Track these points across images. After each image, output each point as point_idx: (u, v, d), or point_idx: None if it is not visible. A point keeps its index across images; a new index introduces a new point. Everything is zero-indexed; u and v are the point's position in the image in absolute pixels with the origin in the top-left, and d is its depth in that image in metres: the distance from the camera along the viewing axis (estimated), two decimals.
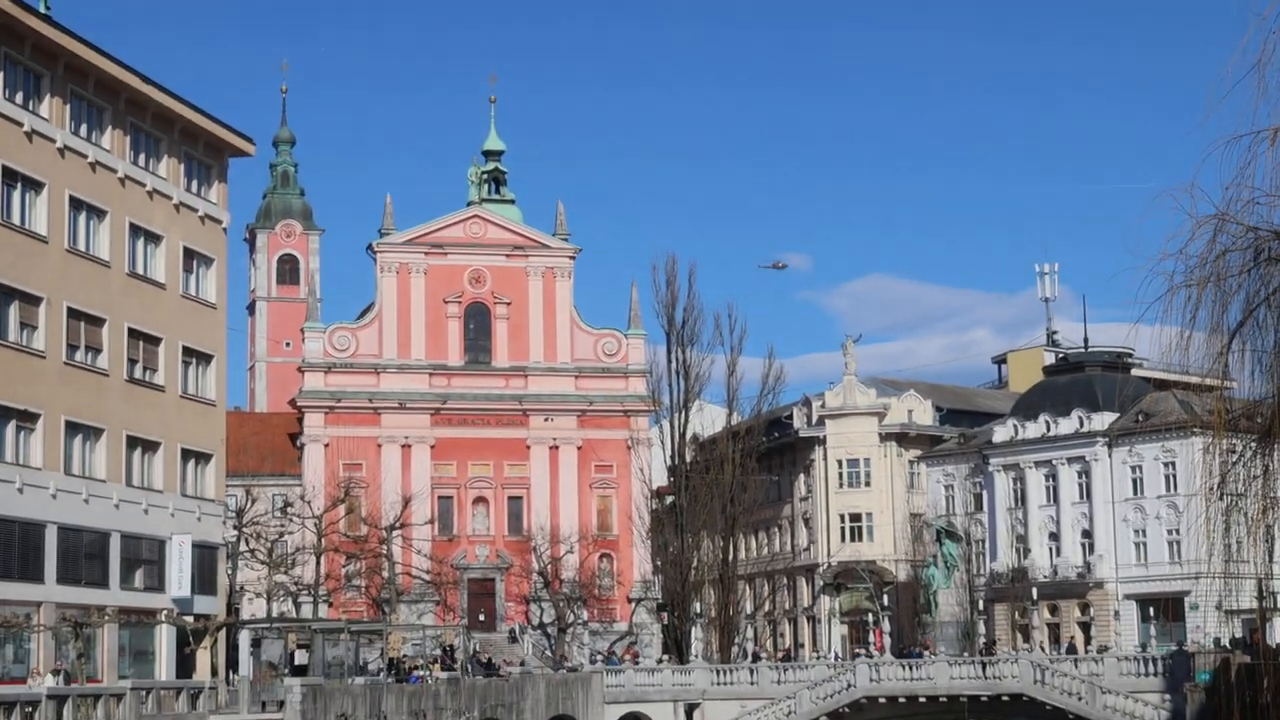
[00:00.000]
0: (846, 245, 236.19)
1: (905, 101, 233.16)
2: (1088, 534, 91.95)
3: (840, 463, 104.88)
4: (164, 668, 53.15)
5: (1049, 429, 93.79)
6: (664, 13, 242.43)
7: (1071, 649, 79.21)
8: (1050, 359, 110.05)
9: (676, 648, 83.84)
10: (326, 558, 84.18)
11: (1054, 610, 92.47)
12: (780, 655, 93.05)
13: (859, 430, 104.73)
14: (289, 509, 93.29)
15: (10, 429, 47.67)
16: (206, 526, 56.65)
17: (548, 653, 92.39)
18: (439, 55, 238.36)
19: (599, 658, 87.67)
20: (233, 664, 56.51)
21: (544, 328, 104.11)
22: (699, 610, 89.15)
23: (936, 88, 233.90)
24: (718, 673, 72.78)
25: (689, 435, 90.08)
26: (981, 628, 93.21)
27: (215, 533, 57.89)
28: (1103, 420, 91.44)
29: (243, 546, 78.37)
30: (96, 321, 51.81)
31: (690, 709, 70.81)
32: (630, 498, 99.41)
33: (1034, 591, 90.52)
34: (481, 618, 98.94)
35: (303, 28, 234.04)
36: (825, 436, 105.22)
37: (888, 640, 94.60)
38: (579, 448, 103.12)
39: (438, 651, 75.35)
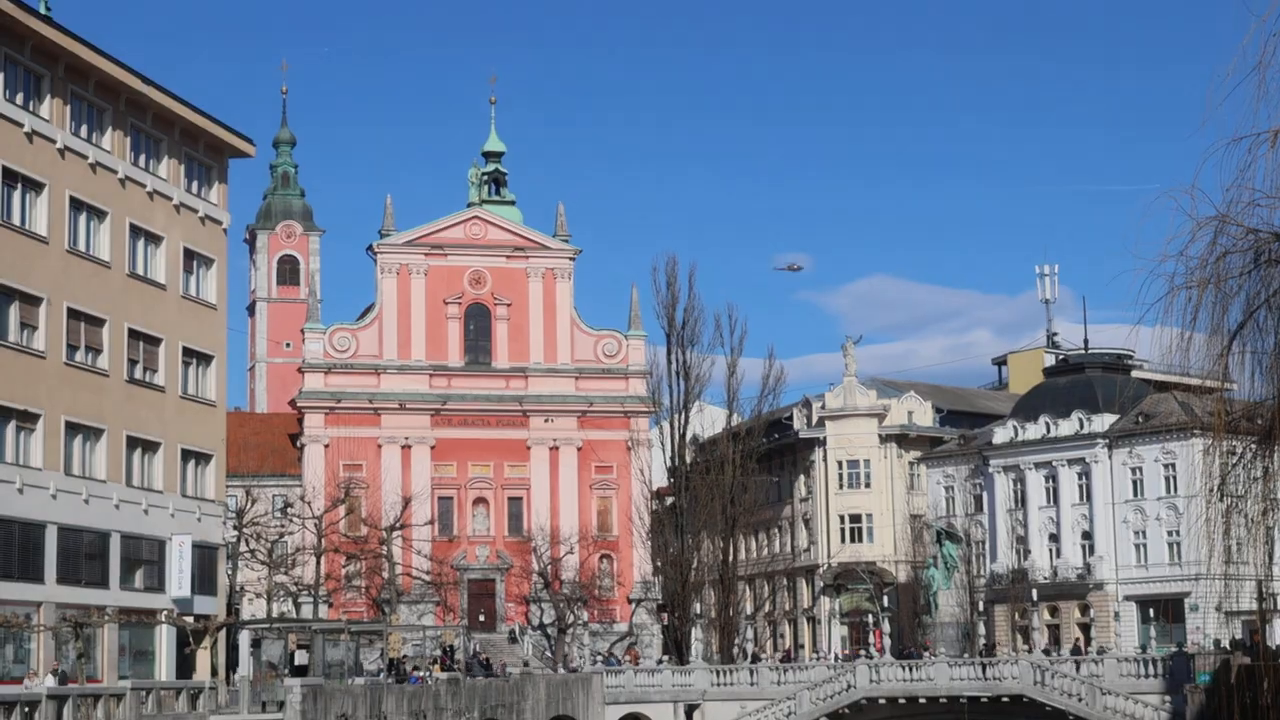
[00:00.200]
0: (847, 246, 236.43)
1: (906, 102, 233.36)
2: (1088, 535, 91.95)
3: (840, 464, 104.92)
4: (164, 668, 53.14)
5: (1049, 430, 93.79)
6: (664, 15, 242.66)
7: (1077, 650, 79.18)
8: (1050, 360, 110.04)
9: (676, 648, 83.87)
10: (326, 558, 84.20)
11: (1054, 611, 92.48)
12: (780, 656, 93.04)
13: (859, 431, 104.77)
14: (289, 509, 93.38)
15: (10, 429, 47.66)
16: (206, 527, 56.66)
17: (548, 653, 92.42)
18: (439, 56, 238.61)
19: (599, 658, 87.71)
20: (233, 664, 56.51)
21: (544, 329, 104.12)
22: (699, 611, 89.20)
23: (937, 89, 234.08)
24: (718, 673, 72.79)
25: (689, 436, 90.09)
26: (981, 629, 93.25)
27: (215, 533, 57.89)
28: (1103, 422, 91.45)
29: (243, 547, 78.37)
30: (97, 322, 51.80)
31: (690, 710, 70.82)
32: (630, 498, 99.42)
33: (1034, 593, 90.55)
34: (481, 618, 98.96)
35: (303, 29, 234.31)
36: (825, 437, 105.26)
37: (888, 641, 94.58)
38: (579, 449, 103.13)
39: (438, 652, 75.34)
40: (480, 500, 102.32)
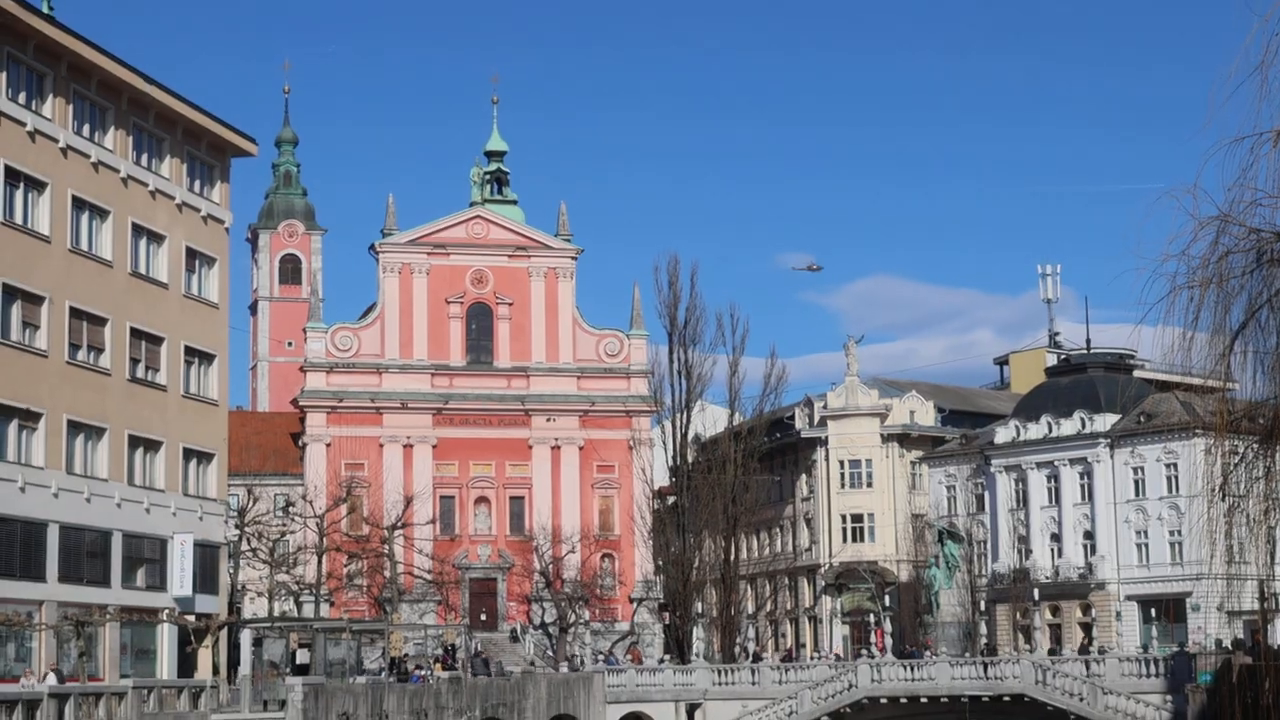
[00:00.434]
0: (849, 246, 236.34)
1: (908, 101, 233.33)
2: (1089, 535, 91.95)
3: (842, 463, 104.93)
4: (165, 667, 53.18)
5: (1051, 430, 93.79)
6: (666, 15, 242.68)
7: (1085, 651, 79.10)
8: (1052, 360, 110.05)
9: (678, 648, 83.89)
10: (328, 557, 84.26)
11: (1055, 611, 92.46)
12: (782, 655, 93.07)
13: (861, 431, 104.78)
14: (291, 508, 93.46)
15: (12, 428, 47.70)
16: (208, 526, 56.69)
17: (549, 652, 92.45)
18: (441, 55, 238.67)
19: (600, 657, 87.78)
20: (234, 663, 56.56)
21: (546, 328, 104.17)
22: (700, 610, 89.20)
23: (939, 88, 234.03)
24: (719, 673, 72.80)
25: (691, 435, 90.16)
26: (983, 628, 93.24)
27: (217, 532, 57.91)
28: (1105, 421, 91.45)
29: (244, 546, 78.47)
30: (99, 321, 51.83)
31: (691, 709, 70.83)
32: (632, 498, 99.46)
33: (1035, 592, 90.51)
34: (483, 617, 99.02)
35: (305, 28, 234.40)
36: (827, 437, 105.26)
37: (889, 640, 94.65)
38: (581, 448, 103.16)
39: (439, 651, 75.38)
40: (482, 499, 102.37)
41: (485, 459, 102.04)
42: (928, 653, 77.43)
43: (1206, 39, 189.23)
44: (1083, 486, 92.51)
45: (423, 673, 62.97)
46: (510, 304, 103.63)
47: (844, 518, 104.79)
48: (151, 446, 54.19)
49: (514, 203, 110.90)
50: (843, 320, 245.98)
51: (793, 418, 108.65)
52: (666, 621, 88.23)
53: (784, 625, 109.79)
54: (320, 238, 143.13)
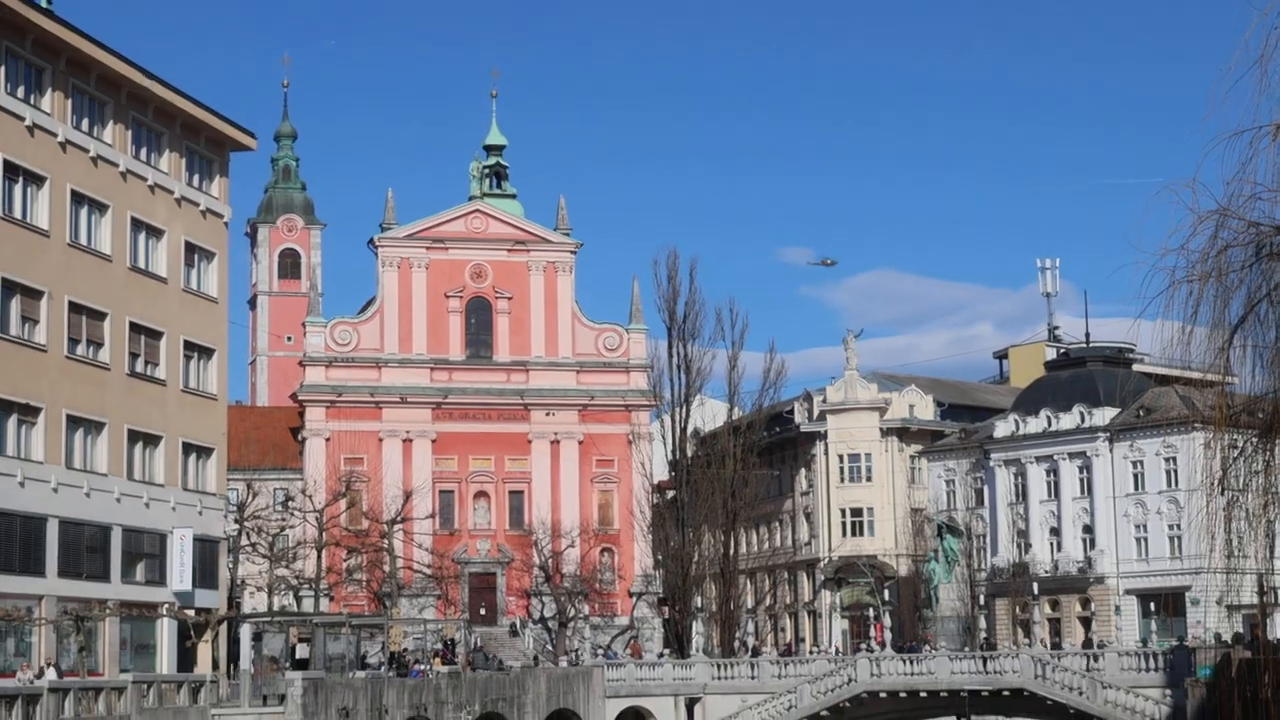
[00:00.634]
0: (848, 240, 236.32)
1: (907, 97, 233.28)
2: (1089, 529, 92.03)
3: (841, 457, 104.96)
4: (165, 661, 53.19)
5: (1050, 424, 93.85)
6: (665, 9, 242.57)
7: (1088, 645, 79.14)
8: (1052, 354, 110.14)
9: (677, 642, 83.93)
10: (328, 552, 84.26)
11: (1055, 605, 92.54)
12: (781, 650, 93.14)
13: (860, 425, 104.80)
14: (290, 503, 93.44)
15: (12, 423, 47.69)
16: (208, 520, 56.69)
17: (548, 647, 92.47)
18: (441, 50, 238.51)
19: (599, 652, 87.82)
20: (234, 658, 56.51)
21: (545, 322, 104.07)
22: (700, 605, 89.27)
23: (939, 83, 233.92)
24: (719, 667, 72.76)
25: (690, 430, 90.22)
26: (982, 622, 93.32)
27: (216, 526, 57.92)
28: (1104, 415, 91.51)
29: (244, 540, 78.47)
30: (98, 315, 51.81)
31: (691, 703, 70.82)
32: (631, 492, 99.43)
33: (1035, 586, 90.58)
34: (483, 612, 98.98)
35: (305, 22, 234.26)
36: (826, 431, 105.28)
37: (888, 635, 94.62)
38: (580, 442, 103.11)
39: (439, 646, 75.41)
40: (481, 494, 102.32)
41: (484, 453, 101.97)
42: (927, 647, 77.46)
43: (1206, 34, 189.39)
44: (1082, 480, 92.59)
45: (422, 667, 63.03)
46: (509, 298, 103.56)
47: (843, 512, 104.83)
48: (151, 441, 54.17)
49: (513, 197, 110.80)
50: (842, 315, 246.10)
51: (792, 412, 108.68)
52: (666, 616, 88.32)
53: (783, 620, 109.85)
54: (319, 232, 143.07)
